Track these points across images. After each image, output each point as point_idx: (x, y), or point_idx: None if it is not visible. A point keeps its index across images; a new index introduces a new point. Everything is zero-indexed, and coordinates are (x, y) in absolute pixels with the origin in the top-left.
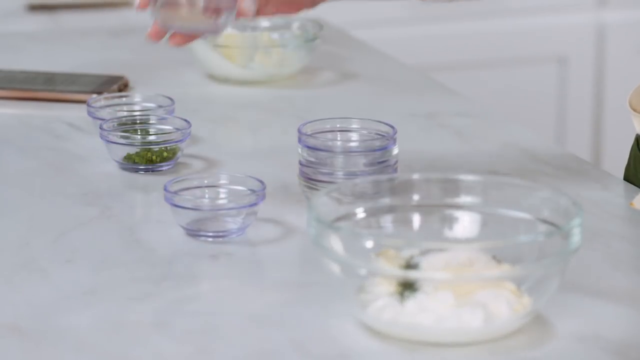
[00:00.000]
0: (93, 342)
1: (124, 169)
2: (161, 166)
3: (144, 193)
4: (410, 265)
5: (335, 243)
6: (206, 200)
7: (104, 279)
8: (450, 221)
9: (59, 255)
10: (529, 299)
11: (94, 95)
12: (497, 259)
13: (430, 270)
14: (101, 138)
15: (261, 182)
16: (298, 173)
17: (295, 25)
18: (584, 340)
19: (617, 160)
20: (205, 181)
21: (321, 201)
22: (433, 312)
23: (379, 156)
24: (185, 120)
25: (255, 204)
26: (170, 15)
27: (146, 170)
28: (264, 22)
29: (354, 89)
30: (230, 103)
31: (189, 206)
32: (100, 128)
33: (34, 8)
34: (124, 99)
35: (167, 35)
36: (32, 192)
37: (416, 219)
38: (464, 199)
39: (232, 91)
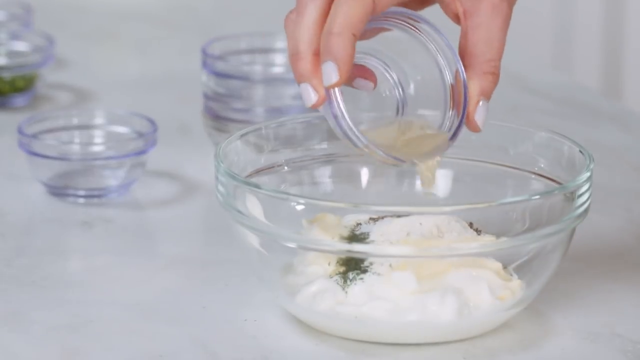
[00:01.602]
0: None
1: None
2: (14, 99)
3: None
4: (356, 237)
5: (253, 206)
6: (76, 147)
7: None
8: (410, 175)
9: None
10: (519, 282)
11: None
12: (476, 227)
13: (383, 243)
14: None
15: (151, 121)
16: (202, 109)
17: None
18: (596, 339)
19: None
20: (75, 120)
21: (233, 148)
22: (388, 300)
23: None
24: (47, 37)
25: (143, 152)
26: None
27: None
28: None
29: None
30: (108, 13)
31: (53, 155)
32: None
33: None
34: None
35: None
36: None
37: (364, 173)
38: None
39: None
